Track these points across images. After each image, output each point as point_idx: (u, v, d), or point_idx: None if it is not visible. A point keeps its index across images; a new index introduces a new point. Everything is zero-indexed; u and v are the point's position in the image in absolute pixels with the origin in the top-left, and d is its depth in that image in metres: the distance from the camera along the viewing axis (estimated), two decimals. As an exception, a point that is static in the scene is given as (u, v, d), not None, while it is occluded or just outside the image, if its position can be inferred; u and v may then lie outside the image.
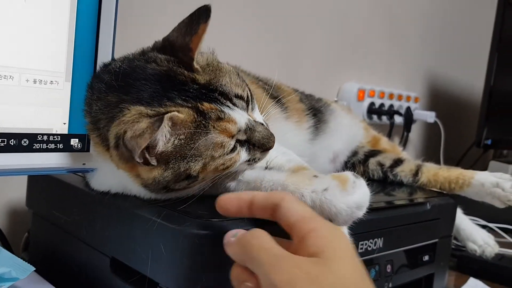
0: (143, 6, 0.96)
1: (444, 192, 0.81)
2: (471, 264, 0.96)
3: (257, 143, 0.53)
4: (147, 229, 0.49)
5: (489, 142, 1.51)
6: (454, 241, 0.98)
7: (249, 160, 0.53)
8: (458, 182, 0.79)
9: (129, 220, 0.52)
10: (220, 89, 0.52)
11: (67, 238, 0.63)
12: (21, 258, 0.57)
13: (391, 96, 1.50)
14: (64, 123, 0.56)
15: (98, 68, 0.57)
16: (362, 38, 1.47)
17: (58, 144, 0.55)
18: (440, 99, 1.78)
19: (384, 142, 0.94)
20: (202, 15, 0.53)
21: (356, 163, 0.89)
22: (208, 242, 0.46)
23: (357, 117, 1.00)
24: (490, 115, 1.48)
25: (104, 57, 0.58)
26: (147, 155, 0.48)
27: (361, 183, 0.46)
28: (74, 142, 0.57)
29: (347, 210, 0.44)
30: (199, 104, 0.49)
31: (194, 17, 0.53)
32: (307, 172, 0.50)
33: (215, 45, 0.58)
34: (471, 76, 1.81)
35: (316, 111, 0.87)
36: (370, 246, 0.64)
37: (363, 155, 0.89)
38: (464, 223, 0.92)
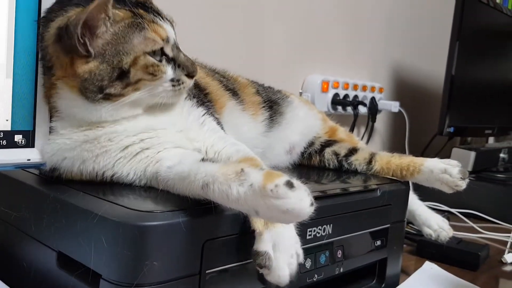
0: None
1: (397, 179, 0.83)
2: (430, 248, 0.98)
3: (182, 63, 0.60)
4: (89, 223, 0.50)
5: (451, 129, 1.54)
6: (414, 227, 1.01)
7: (173, 80, 0.59)
8: (409, 169, 0.81)
9: (73, 214, 0.53)
10: (154, 8, 0.60)
11: (17, 234, 0.63)
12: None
13: (355, 87, 1.52)
14: (7, 120, 0.56)
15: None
16: (326, 30, 1.49)
17: (1, 141, 0.56)
18: (404, 88, 1.82)
19: (341, 132, 0.96)
20: None
21: (313, 153, 0.91)
22: (148, 233, 0.47)
23: (314, 108, 1.01)
24: (452, 103, 1.51)
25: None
26: (86, 40, 0.53)
27: (293, 189, 0.43)
28: (18, 138, 0.57)
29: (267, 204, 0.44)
30: (135, 9, 0.57)
31: None
32: (239, 165, 0.50)
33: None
34: (434, 66, 1.84)
35: (273, 103, 0.88)
36: (319, 233, 0.65)
37: (319, 145, 0.91)
38: (420, 209, 0.94)
